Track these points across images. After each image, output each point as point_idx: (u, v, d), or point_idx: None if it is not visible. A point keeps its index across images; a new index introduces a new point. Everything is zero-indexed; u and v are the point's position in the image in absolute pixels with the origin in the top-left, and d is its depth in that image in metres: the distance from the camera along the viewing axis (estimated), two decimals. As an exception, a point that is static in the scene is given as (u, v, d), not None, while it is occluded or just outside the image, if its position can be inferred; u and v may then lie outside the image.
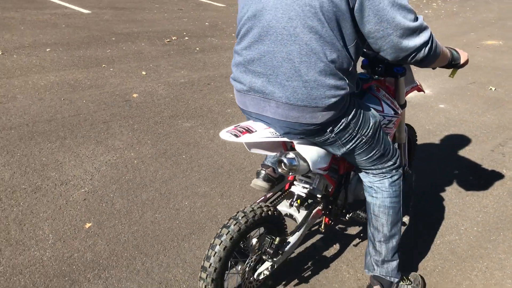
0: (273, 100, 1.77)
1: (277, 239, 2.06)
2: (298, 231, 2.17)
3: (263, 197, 2.26)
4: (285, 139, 1.88)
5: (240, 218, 1.93)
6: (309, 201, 2.30)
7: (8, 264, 2.31)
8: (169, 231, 2.64)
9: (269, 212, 2.03)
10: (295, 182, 2.26)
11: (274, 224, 2.10)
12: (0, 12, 7.46)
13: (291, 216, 2.28)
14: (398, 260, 2.21)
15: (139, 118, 4.09)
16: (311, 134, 1.86)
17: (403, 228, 2.86)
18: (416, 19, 1.69)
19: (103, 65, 5.43)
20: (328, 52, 1.67)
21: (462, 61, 2.11)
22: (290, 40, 1.67)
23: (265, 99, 1.79)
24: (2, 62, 5.19)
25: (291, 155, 1.90)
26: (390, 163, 2.10)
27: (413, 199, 3.19)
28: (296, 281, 2.36)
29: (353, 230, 2.82)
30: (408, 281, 2.30)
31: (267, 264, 2.06)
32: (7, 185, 2.94)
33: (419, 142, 4.09)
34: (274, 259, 2.07)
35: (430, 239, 2.79)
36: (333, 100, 1.73)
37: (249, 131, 1.82)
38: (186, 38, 7.15)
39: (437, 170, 3.61)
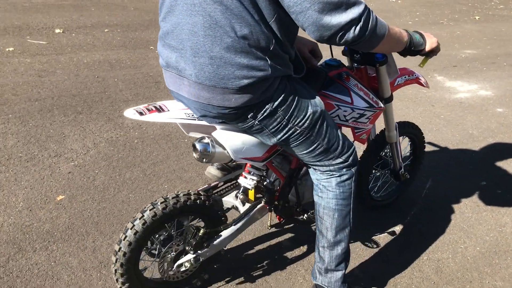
0: (185, 78, 1.62)
1: (202, 230, 1.91)
2: (233, 225, 2.00)
3: (207, 185, 2.11)
4: (203, 122, 1.72)
5: (158, 203, 1.82)
6: (258, 195, 2.12)
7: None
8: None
9: (198, 201, 1.89)
10: (244, 173, 2.09)
11: (205, 214, 1.96)
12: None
13: (236, 208, 2.11)
14: (343, 271, 1.97)
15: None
16: (231, 119, 1.68)
17: (389, 238, 2.56)
18: None
19: (151, 47, 5.52)
20: (237, 26, 1.47)
21: (427, 48, 1.80)
22: (194, 11, 1.50)
23: (180, 76, 1.64)
24: (59, 40, 5.47)
25: (206, 140, 1.74)
26: (339, 160, 1.85)
27: (419, 207, 2.85)
28: (241, 279, 2.19)
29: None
30: (357, 294, 2.05)
31: (189, 256, 1.92)
32: (6, 152, 3.06)
33: (453, 146, 3.66)
34: (199, 251, 1.92)
35: (418, 253, 2.47)
36: (246, 81, 1.54)
37: (159, 110, 1.69)
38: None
39: (461, 179, 3.20)
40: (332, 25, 1.44)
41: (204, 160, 1.75)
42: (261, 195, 2.10)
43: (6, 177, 2.81)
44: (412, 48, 1.76)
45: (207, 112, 1.66)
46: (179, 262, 1.92)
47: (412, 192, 3.00)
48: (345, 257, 1.96)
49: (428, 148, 3.61)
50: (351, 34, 1.47)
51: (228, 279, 2.19)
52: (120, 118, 3.69)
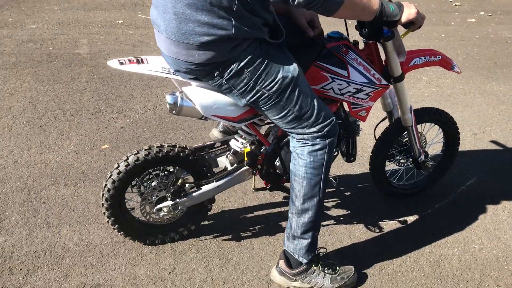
0: (161, 33, 1.77)
1: (180, 180, 2.07)
2: (215, 181, 2.13)
3: (202, 143, 2.26)
4: (177, 77, 1.87)
5: (143, 150, 2.02)
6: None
7: (25, 158, 2.83)
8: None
9: (181, 154, 2.05)
10: (236, 136, 2.20)
11: (190, 168, 2.11)
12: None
13: (226, 169, 2.23)
14: (310, 240, 1.98)
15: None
16: (200, 76, 1.81)
17: (397, 226, 2.48)
18: None
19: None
20: None
21: (403, 19, 1.74)
22: None
23: (158, 32, 1.80)
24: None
25: (177, 93, 1.89)
26: (313, 129, 1.88)
27: (447, 202, 2.69)
28: (228, 236, 2.32)
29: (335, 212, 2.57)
30: (329, 270, 2.05)
31: (168, 202, 2.09)
32: (79, 105, 3.52)
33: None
34: (177, 199, 2.09)
35: (421, 244, 2.36)
36: (206, 38, 1.65)
37: (139, 62, 1.87)
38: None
39: (509, 182, 2.93)
40: None
41: (174, 112, 1.89)
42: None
43: (69, 125, 3.23)
44: (384, 18, 1.71)
45: (178, 67, 1.80)
46: (158, 206, 2.09)
47: (447, 185, 2.82)
48: (312, 226, 1.97)
49: (490, 144, 3.33)
50: None
51: (215, 234, 2.33)
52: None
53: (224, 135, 2.37)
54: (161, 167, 2.10)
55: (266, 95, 1.80)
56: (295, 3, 1.56)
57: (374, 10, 1.70)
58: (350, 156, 2.29)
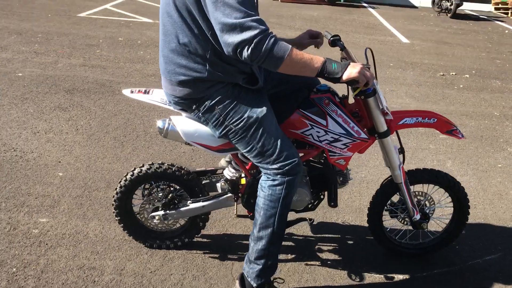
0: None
1: (171, 195, 2.45)
2: (201, 202, 2.46)
3: (204, 168, 2.62)
4: (170, 107, 2.28)
5: (146, 165, 2.46)
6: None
7: (97, 164, 3.48)
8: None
9: (177, 173, 2.45)
10: (229, 166, 2.52)
11: (185, 186, 2.48)
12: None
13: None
14: (261, 267, 2.19)
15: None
16: (183, 107, 2.20)
17: (381, 281, 2.51)
18: (243, 17, 1.80)
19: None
20: (180, 36, 2.01)
21: (344, 77, 1.91)
22: (160, 20, 2.12)
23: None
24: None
25: (166, 119, 2.29)
26: (274, 166, 2.13)
27: (448, 270, 2.64)
28: (217, 255, 2.61)
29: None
30: (277, 299, 2.22)
31: (160, 212, 2.48)
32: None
33: None
34: (167, 211, 2.47)
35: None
36: (183, 78, 2.06)
37: (145, 93, 2.34)
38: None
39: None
40: (229, 43, 1.84)
41: (162, 134, 2.30)
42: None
43: (143, 144, 3.83)
44: (326, 75, 1.92)
45: (169, 99, 2.22)
46: (152, 214, 2.49)
47: (463, 253, 2.74)
48: (264, 254, 2.18)
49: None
50: (245, 52, 1.83)
51: (207, 251, 2.63)
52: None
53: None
54: (161, 182, 2.50)
55: (233, 130, 2.11)
56: (242, 58, 1.86)
57: (316, 68, 1.91)
58: (330, 201, 2.44)
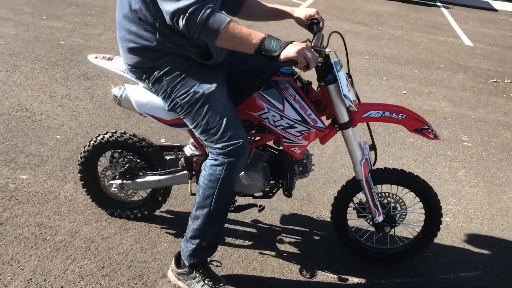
0: None
1: (127, 165, 2.46)
2: (157, 176, 2.44)
3: (171, 143, 2.60)
4: (127, 75, 2.27)
5: (108, 133, 2.48)
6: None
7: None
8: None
9: (137, 144, 2.45)
10: (190, 143, 2.48)
11: (145, 158, 2.48)
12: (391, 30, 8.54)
13: (181, 170, 2.52)
14: (195, 246, 2.14)
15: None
16: (137, 76, 2.19)
17: (334, 279, 2.39)
18: None
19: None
20: (133, 1, 1.99)
21: (282, 56, 1.80)
22: None
23: None
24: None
25: (122, 87, 2.29)
26: (218, 145, 2.07)
27: (417, 280, 2.46)
28: (173, 231, 2.60)
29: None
30: (210, 282, 2.17)
31: (117, 181, 2.49)
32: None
33: None
34: (124, 180, 2.48)
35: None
36: (132, 45, 2.05)
37: (109, 59, 2.35)
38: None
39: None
40: (165, 10, 1.82)
41: (116, 102, 2.30)
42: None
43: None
44: (264, 52, 1.82)
45: (125, 67, 2.22)
46: (110, 181, 2.52)
47: (431, 265, 2.54)
48: (199, 234, 2.13)
49: None
50: (180, 21, 1.80)
51: (166, 226, 2.62)
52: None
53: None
54: (123, 151, 2.51)
55: (179, 104, 2.07)
56: (179, 27, 1.82)
57: (254, 44, 1.82)
58: (284, 190, 2.34)
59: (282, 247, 2.57)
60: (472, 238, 2.83)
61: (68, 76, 4.59)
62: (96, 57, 2.36)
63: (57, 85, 4.34)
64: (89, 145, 2.49)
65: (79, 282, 2.19)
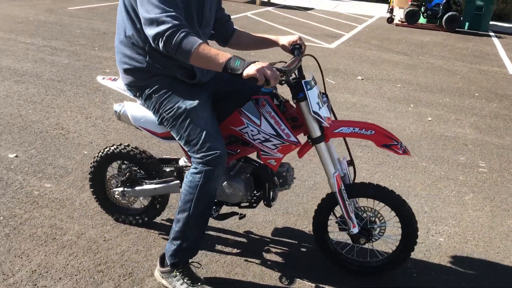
0: None
1: (128, 174, 2.74)
2: (152, 185, 2.70)
3: (170, 156, 2.87)
4: (128, 93, 2.57)
5: (114, 146, 2.78)
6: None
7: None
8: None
9: (137, 156, 2.73)
10: (184, 156, 2.73)
11: (144, 168, 2.75)
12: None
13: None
14: (176, 247, 2.36)
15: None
16: (133, 95, 2.49)
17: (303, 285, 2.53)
18: (160, 13, 2.05)
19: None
20: (127, 29, 2.31)
21: (244, 74, 2.01)
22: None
23: None
24: (355, 85, 6.51)
25: (121, 104, 2.58)
26: (197, 155, 2.31)
27: None
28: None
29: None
30: (189, 281, 2.36)
31: (120, 188, 2.77)
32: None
33: None
34: (125, 188, 2.76)
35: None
36: (126, 66, 2.36)
37: (114, 80, 2.67)
38: None
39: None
40: (148, 35, 2.11)
41: (116, 117, 2.59)
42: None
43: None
44: (229, 70, 2.04)
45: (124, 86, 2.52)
46: (115, 188, 2.80)
47: (412, 280, 2.60)
48: (180, 236, 2.34)
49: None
50: (160, 44, 2.08)
51: (162, 232, 2.86)
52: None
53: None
54: (128, 162, 2.80)
55: (165, 118, 2.34)
56: (161, 49, 2.09)
57: (221, 63, 2.05)
58: (264, 200, 2.52)
59: (267, 256, 2.73)
60: (462, 259, 2.86)
61: (106, 99, 5.03)
62: (104, 78, 2.68)
63: (95, 108, 4.77)
64: (98, 156, 2.80)
65: (75, 275, 2.46)
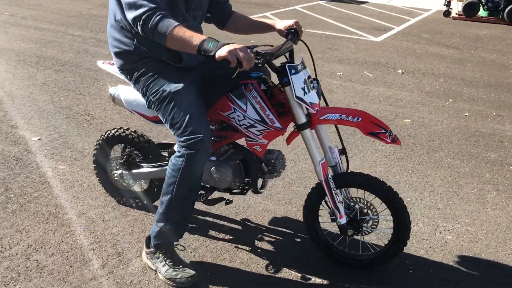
0: None
1: (126, 157, 2.80)
2: (148, 168, 2.75)
3: (170, 141, 2.90)
4: (122, 76, 2.61)
5: (116, 129, 2.86)
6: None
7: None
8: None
9: (135, 139, 2.79)
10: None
11: (140, 150, 2.81)
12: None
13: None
14: (159, 229, 2.38)
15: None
16: (126, 78, 2.54)
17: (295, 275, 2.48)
18: None
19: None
20: (116, 13, 2.37)
21: (217, 56, 1.99)
22: None
23: None
24: (393, 78, 6.31)
25: (116, 87, 2.64)
26: (181, 139, 2.32)
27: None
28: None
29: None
30: (170, 263, 2.39)
31: (118, 171, 2.84)
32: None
33: None
34: (123, 171, 2.83)
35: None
36: (116, 50, 2.42)
37: (112, 64, 2.73)
38: None
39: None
40: (128, 18, 2.15)
41: (111, 100, 2.65)
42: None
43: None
44: (203, 52, 2.03)
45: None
46: (114, 171, 2.87)
47: (406, 277, 2.49)
48: (163, 218, 2.36)
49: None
50: (138, 27, 2.12)
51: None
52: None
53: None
54: (128, 145, 2.86)
55: (152, 101, 2.37)
56: (140, 31, 2.12)
57: (195, 45, 2.04)
58: (251, 186, 2.49)
59: (259, 244, 2.70)
60: (468, 258, 2.69)
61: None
62: (103, 62, 2.75)
63: (124, 96, 4.90)
64: (100, 139, 2.88)
65: (67, 252, 2.55)
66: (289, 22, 2.48)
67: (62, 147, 3.70)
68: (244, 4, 11.58)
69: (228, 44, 2.01)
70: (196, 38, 2.04)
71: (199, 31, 2.49)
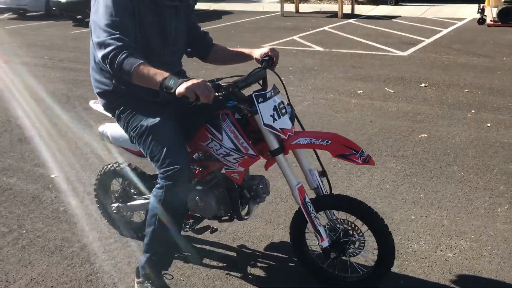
0: None
1: (120, 190, 2.92)
2: (142, 200, 2.85)
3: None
4: (107, 113, 2.73)
5: (110, 164, 3.00)
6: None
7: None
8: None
9: (130, 173, 2.92)
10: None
11: (136, 184, 2.93)
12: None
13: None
14: (145, 259, 2.46)
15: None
16: (111, 116, 2.67)
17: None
18: (106, 37, 2.23)
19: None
20: (96, 56, 2.51)
21: (176, 92, 2.06)
22: None
23: None
24: (416, 93, 6.21)
25: (104, 125, 2.77)
26: (160, 170, 2.42)
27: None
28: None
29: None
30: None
31: (116, 204, 2.96)
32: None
33: None
34: (120, 204, 2.94)
35: None
36: (98, 90, 2.57)
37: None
38: None
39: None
40: (98, 56, 2.28)
41: (100, 137, 2.78)
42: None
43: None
44: (165, 89, 2.11)
45: (103, 107, 2.71)
46: (112, 204, 3.00)
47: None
48: (148, 248, 2.44)
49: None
50: (107, 65, 2.25)
51: (158, 245, 2.99)
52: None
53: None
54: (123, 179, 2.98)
55: (133, 136, 2.49)
56: (109, 69, 2.24)
57: (157, 82, 2.12)
58: (233, 213, 2.54)
59: (251, 270, 2.72)
60: (467, 277, 2.60)
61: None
62: (94, 102, 2.90)
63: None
64: (99, 174, 3.02)
65: (66, 284, 2.67)
66: (264, 50, 2.54)
67: (77, 183, 3.88)
68: (274, 29, 11.78)
69: (188, 80, 2.08)
70: (158, 76, 2.13)
71: (177, 65, 2.60)
